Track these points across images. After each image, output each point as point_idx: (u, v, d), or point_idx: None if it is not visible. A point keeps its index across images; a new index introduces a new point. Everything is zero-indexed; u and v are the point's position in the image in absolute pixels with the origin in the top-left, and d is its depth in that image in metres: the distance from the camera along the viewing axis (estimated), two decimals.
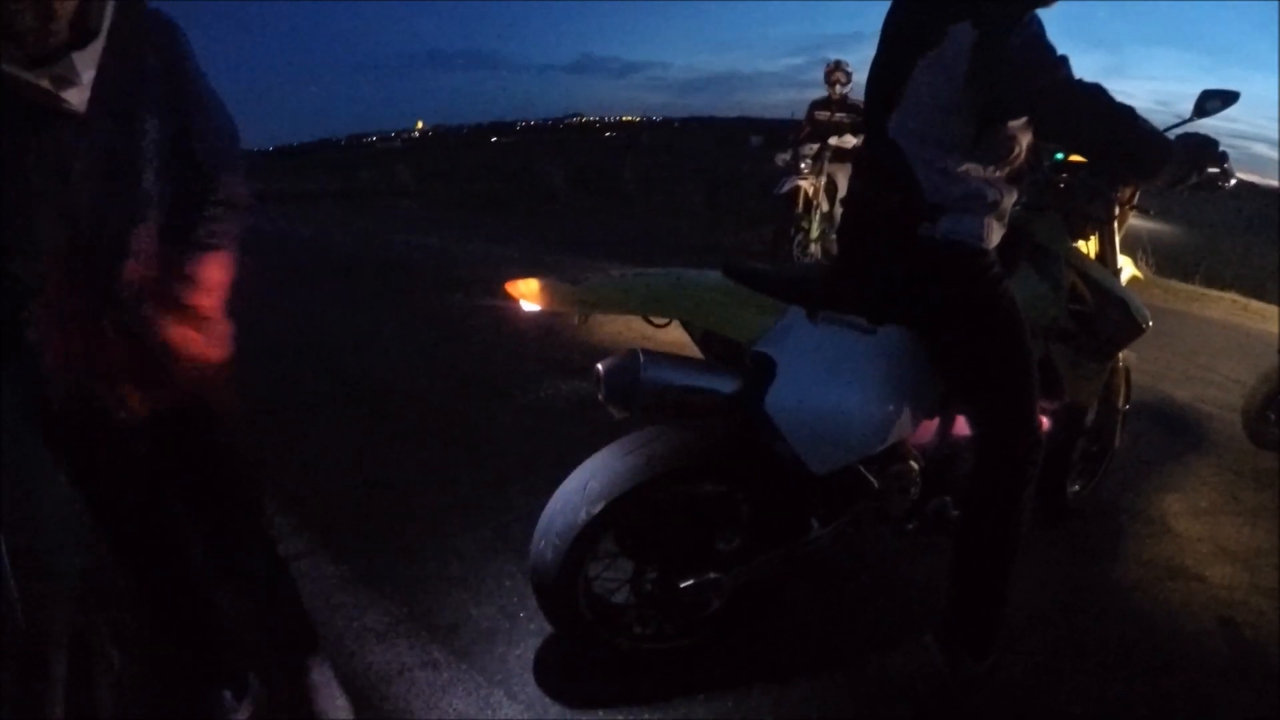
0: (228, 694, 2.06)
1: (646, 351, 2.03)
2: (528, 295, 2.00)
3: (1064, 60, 1.80)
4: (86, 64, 1.45)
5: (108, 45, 1.48)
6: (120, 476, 1.81)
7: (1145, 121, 1.87)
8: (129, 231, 1.56)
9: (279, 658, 2.11)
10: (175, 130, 1.60)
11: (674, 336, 2.26)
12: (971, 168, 1.97)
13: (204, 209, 1.68)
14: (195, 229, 1.67)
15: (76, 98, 1.45)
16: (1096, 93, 1.81)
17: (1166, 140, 1.98)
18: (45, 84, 1.41)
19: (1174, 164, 1.97)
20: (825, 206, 7.49)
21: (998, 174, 2.01)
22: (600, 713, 2.11)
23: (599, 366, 2.05)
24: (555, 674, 2.25)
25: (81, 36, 1.44)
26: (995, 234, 2.06)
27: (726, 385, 2.08)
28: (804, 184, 7.44)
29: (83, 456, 1.79)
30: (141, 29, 1.55)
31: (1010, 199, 2.07)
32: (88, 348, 1.59)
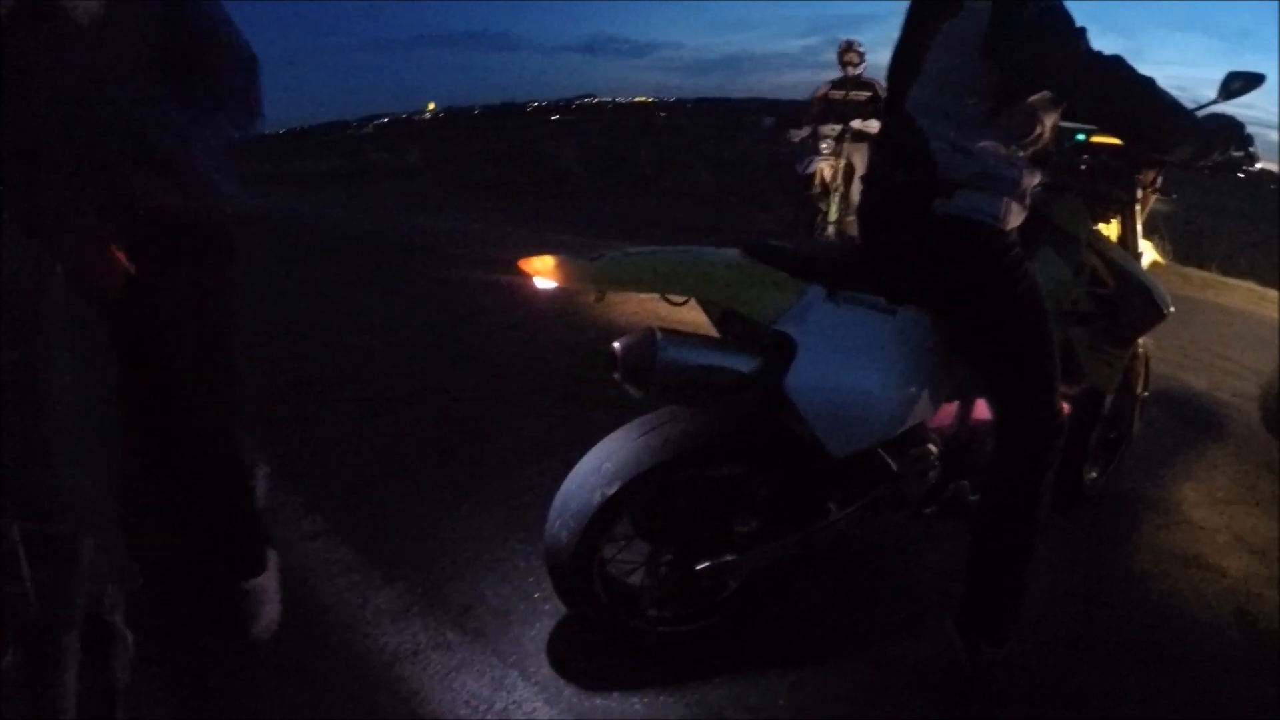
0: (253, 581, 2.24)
1: (664, 330, 2.01)
2: (543, 272, 1.97)
3: (1083, 31, 1.77)
4: None
5: None
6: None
7: (1166, 93, 1.83)
8: (146, 139, 1.78)
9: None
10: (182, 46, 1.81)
11: (690, 316, 2.24)
12: (989, 145, 1.94)
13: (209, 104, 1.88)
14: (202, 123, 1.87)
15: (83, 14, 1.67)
16: (1116, 64, 1.77)
17: (1188, 112, 1.94)
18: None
19: (1196, 137, 1.93)
20: (843, 189, 7.45)
21: (1019, 153, 1.98)
22: (615, 694, 2.10)
23: (615, 345, 2.03)
24: (569, 655, 2.24)
25: None
26: (1015, 215, 2.03)
27: (745, 365, 2.05)
28: (823, 165, 7.40)
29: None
30: None
31: (1032, 180, 2.04)
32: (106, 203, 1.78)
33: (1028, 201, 2.08)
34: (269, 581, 2.32)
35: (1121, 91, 1.81)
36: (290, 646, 2.32)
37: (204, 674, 2.23)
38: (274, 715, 2.09)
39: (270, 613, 2.30)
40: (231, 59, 1.92)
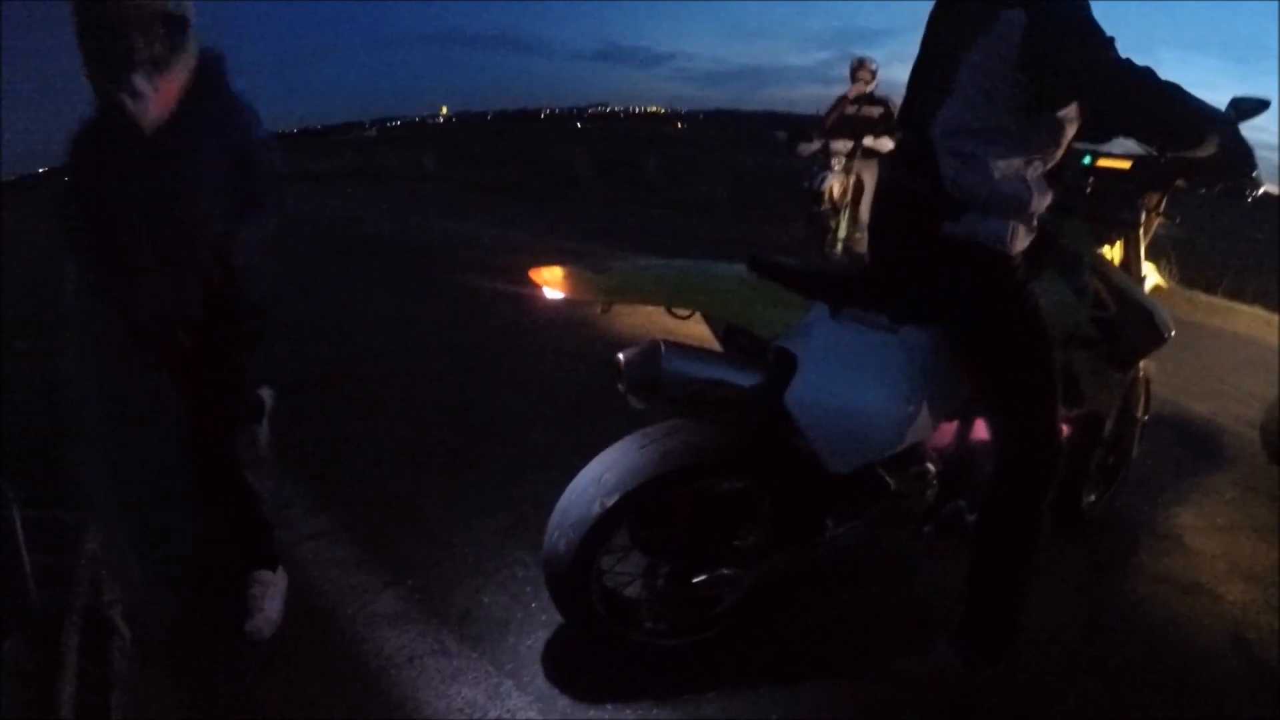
0: (263, 573, 2.51)
1: (668, 342, 2.03)
2: (551, 282, 2.00)
3: (1111, 41, 1.79)
4: (148, 87, 2.10)
5: (183, 107, 2.19)
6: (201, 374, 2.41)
7: (1194, 97, 1.84)
8: (201, 230, 2.24)
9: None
10: (229, 159, 2.26)
11: (694, 329, 2.25)
12: (1012, 163, 1.95)
13: (247, 210, 2.33)
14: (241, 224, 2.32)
15: (150, 113, 2.14)
16: (1147, 72, 1.79)
17: (1217, 112, 1.94)
18: (125, 99, 2.09)
19: (1226, 134, 1.91)
20: (852, 206, 7.45)
21: (1037, 171, 2.00)
22: (609, 706, 2.11)
23: (620, 356, 2.05)
24: (565, 666, 2.26)
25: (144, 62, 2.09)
26: (1021, 239, 2.04)
27: (747, 379, 2.07)
28: (834, 181, 7.40)
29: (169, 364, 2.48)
30: (217, 99, 2.27)
31: (1043, 202, 2.05)
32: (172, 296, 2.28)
33: (1035, 224, 2.09)
34: (277, 580, 2.53)
35: (1152, 97, 1.81)
36: (287, 646, 2.34)
37: (200, 670, 2.26)
38: (268, 713, 2.10)
39: (273, 607, 2.45)
40: (267, 173, 2.36)
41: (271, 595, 2.46)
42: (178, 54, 2.15)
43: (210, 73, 2.26)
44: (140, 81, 2.09)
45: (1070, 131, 1.99)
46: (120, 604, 2.45)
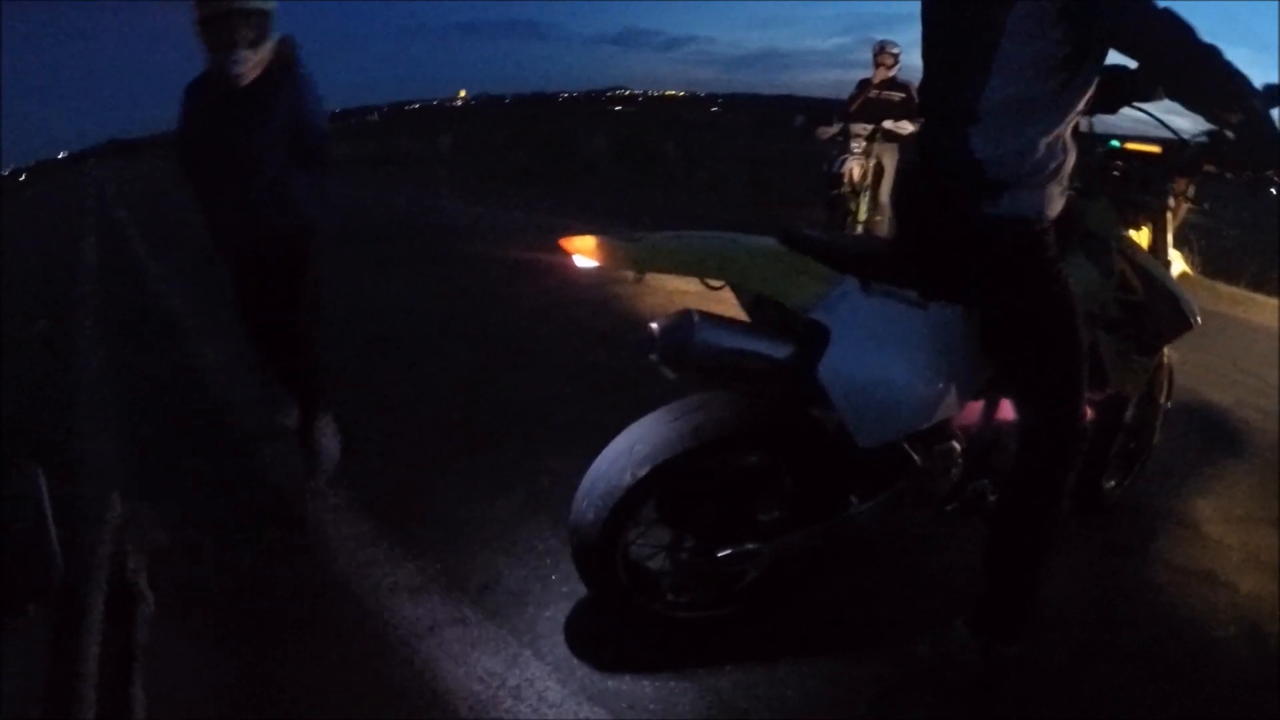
0: (322, 418, 3.30)
1: (701, 313, 2.04)
2: (583, 251, 2.00)
3: None
4: (248, 59, 2.93)
5: (263, 74, 3.00)
6: (270, 268, 3.20)
7: (1229, 62, 1.79)
8: (267, 168, 3.05)
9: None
10: (292, 117, 3.06)
11: (718, 302, 2.25)
12: (1054, 129, 1.94)
13: (303, 161, 3.16)
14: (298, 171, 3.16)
15: (244, 78, 2.96)
16: (1184, 23, 1.75)
17: (1248, 80, 1.85)
18: (230, 67, 2.93)
19: (1255, 103, 1.85)
20: (872, 189, 7.42)
21: (1069, 130, 1.99)
22: (626, 677, 2.13)
23: (653, 326, 2.05)
24: (583, 637, 2.28)
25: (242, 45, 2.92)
26: (1056, 203, 2.04)
27: (779, 351, 2.07)
28: (854, 164, 7.37)
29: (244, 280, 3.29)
30: (288, 72, 3.05)
31: (1072, 158, 2.04)
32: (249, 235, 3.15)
33: (1066, 184, 2.07)
34: (330, 421, 3.31)
35: (1185, 44, 1.77)
36: (309, 614, 2.37)
37: (223, 638, 2.28)
38: (290, 679, 2.13)
39: (333, 445, 3.29)
40: (319, 130, 3.20)
41: (330, 435, 3.29)
42: (264, 38, 2.99)
43: (285, 52, 3.08)
44: (240, 55, 2.94)
45: (1094, 82, 1.96)
46: (144, 572, 2.48)
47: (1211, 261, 8.72)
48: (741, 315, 2.26)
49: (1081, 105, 1.97)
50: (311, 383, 3.35)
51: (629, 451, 2.08)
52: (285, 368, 3.42)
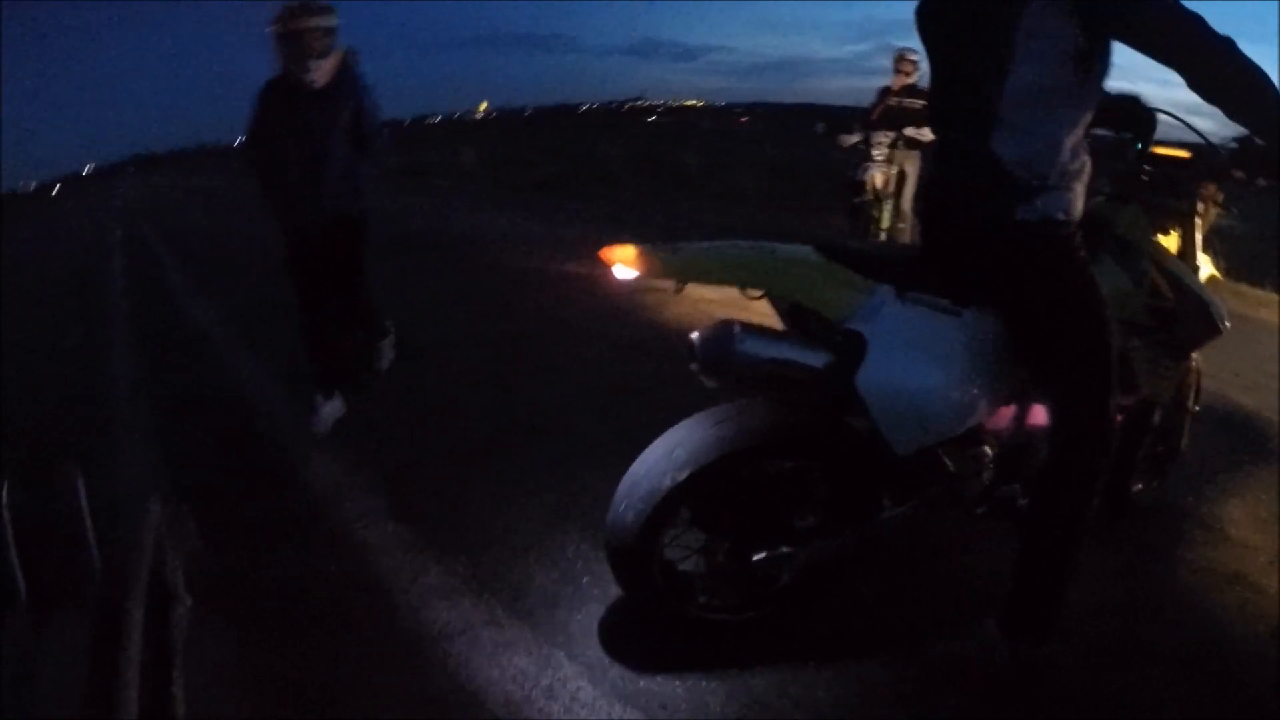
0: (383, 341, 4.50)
1: (741, 323, 2.07)
2: (624, 261, 2.02)
3: None
4: (319, 67, 3.54)
5: (331, 79, 3.61)
6: (326, 260, 3.88)
7: (1246, 57, 1.77)
8: (334, 159, 3.71)
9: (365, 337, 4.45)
10: (354, 114, 3.73)
11: (750, 309, 2.26)
12: (1076, 129, 1.95)
13: (362, 151, 3.84)
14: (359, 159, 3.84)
15: (316, 82, 3.57)
16: (1194, 15, 1.75)
17: (1270, 80, 1.81)
18: (305, 74, 3.54)
19: (1273, 107, 1.80)
20: (894, 196, 7.42)
21: (1086, 129, 2.00)
22: (658, 678, 2.15)
23: (693, 335, 2.09)
24: (615, 638, 2.30)
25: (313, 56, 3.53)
26: (1080, 203, 2.05)
27: (818, 360, 2.10)
28: (876, 172, 7.38)
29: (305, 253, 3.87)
30: (350, 77, 3.72)
31: (1088, 160, 2.05)
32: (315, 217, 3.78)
33: (1087, 185, 2.08)
34: (388, 344, 4.53)
35: (1200, 36, 1.76)
36: (343, 616, 2.41)
37: (260, 638, 2.32)
38: (325, 679, 2.17)
39: (389, 355, 4.56)
40: (375, 126, 3.86)
41: (389, 347, 4.55)
42: (331, 49, 3.60)
43: (346, 61, 3.71)
44: (312, 63, 3.54)
45: (1106, 78, 1.97)
46: (181, 574, 2.52)
47: (1237, 264, 8.64)
48: (777, 324, 2.28)
49: (1095, 103, 1.97)
50: (372, 319, 4.39)
51: (669, 455, 2.11)
52: (340, 320, 4.05)
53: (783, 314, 2.27)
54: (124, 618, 2.28)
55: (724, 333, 2.05)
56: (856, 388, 2.06)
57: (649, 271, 2.04)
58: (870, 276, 2.12)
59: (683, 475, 2.07)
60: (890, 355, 2.07)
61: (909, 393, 2.09)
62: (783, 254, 2.15)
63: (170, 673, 2.14)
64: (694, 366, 2.09)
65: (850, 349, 2.07)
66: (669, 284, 2.08)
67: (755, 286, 2.12)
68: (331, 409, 3.89)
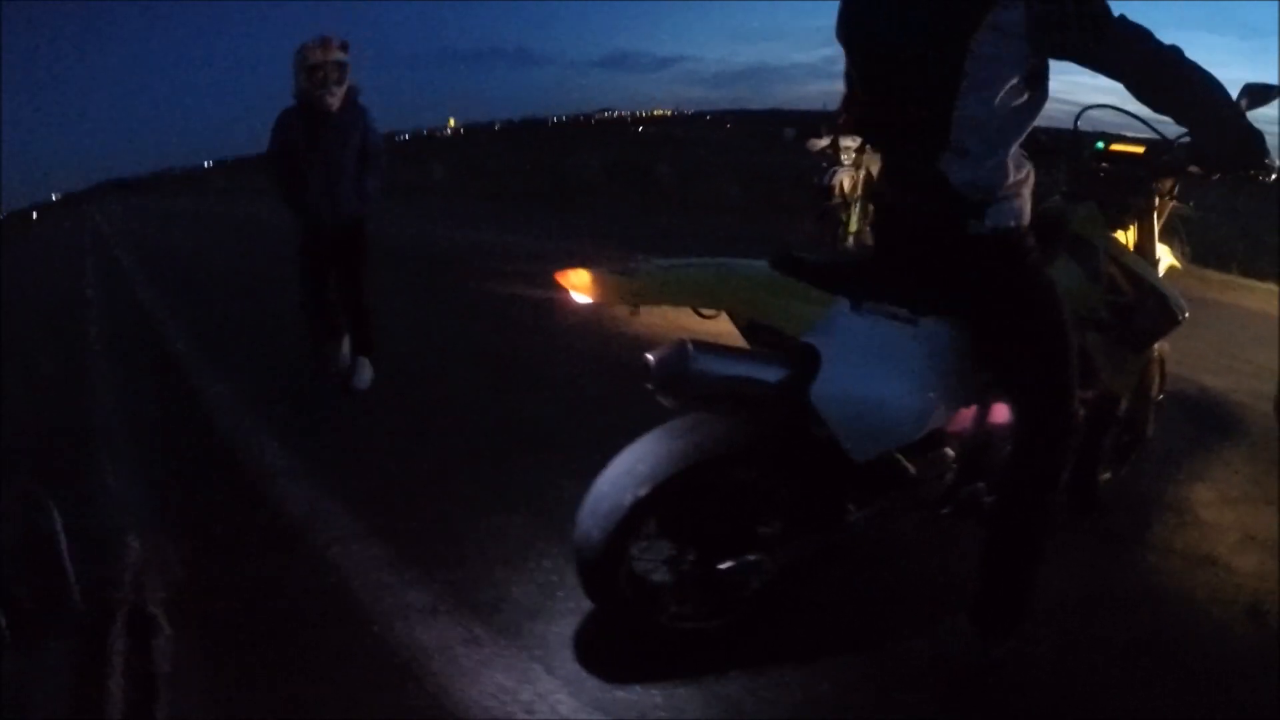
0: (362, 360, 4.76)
1: (695, 341, 2.07)
2: (579, 287, 2.02)
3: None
4: (337, 94, 4.34)
5: (342, 105, 4.39)
6: (342, 247, 4.63)
7: (1197, 67, 1.81)
8: (347, 171, 4.48)
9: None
10: (361, 135, 4.51)
11: (717, 325, 2.27)
12: (1021, 142, 1.98)
13: (368, 168, 4.57)
14: (365, 176, 4.58)
15: (333, 106, 4.34)
16: (1142, 30, 1.78)
17: (1215, 80, 1.85)
18: (325, 99, 4.32)
19: (1221, 110, 1.88)
20: (863, 200, 7.47)
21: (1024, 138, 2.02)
22: (635, 687, 2.16)
23: (648, 356, 2.09)
24: (593, 650, 2.31)
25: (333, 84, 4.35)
26: (1028, 207, 2.07)
27: (773, 375, 2.11)
28: (843, 176, 7.42)
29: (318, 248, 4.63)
30: (357, 103, 4.51)
31: (1031, 166, 2.08)
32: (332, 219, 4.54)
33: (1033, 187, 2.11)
34: (367, 364, 4.72)
35: (1151, 52, 1.80)
36: (324, 641, 2.40)
37: (241, 665, 2.32)
38: (307, 705, 2.16)
39: (365, 374, 4.69)
40: (377, 150, 4.65)
41: (368, 367, 4.71)
42: (344, 78, 4.36)
43: (353, 90, 4.46)
44: (331, 90, 4.30)
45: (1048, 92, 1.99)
46: (163, 603, 2.53)
47: (1201, 248, 8.75)
48: (739, 340, 2.30)
49: (1039, 113, 2.00)
50: (365, 323, 4.75)
51: (630, 471, 2.12)
52: (344, 310, 4.76)
53: (742, 330, 2.28)
54: (106, 649, 2.30)
55: (679, 352, 2.06)
56: (810, 401, 2.06)
57: (603, 296, 2.04)
58: (827, 289, 2.13)
59: (644, 491, 2.08)
60: (844, 367, 2.07)
61: (864, 403, 2.10)
62: (737, 271, 2.17)
63: (154, 703, 2.16)
64: (650, 386, 2.10)
65: (805, 363, 2.08)
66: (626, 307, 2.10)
67: (710, 306, 2.13)
68: (364, 370, 4.71)
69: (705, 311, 2.15)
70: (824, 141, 7.67)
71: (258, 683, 2.26)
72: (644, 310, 2.10)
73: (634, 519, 2.11)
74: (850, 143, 7.40)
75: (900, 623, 2.46)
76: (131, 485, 3.63)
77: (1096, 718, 2.16)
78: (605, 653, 2.31)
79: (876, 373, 2.11)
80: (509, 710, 2.11)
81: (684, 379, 2.05)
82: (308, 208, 4.52)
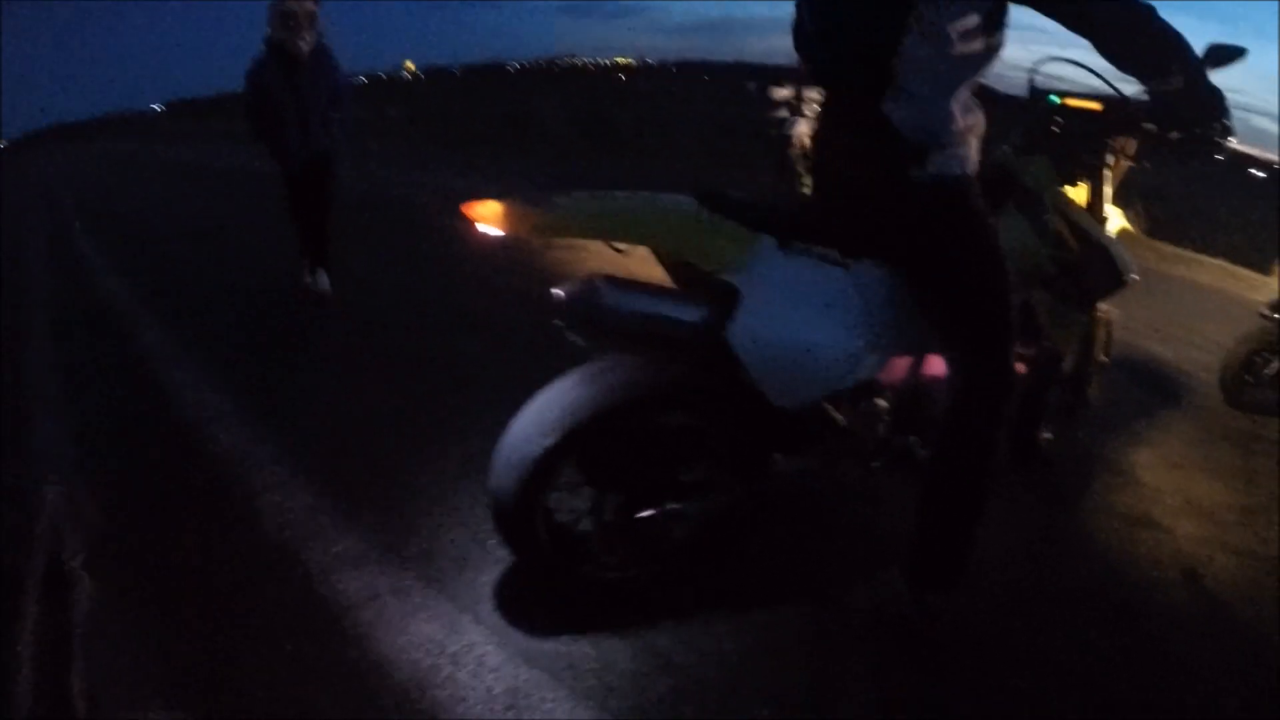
0: (320, 271, 5.31)
1: (607, 278, 1.99)
2: (486, 218, 1.90)
3: None
4: (308, 39, 4.84)
5: (314, 50, 4.92)
6: (315, 177, 5.21)
7: (1162, 20, 1.77)
8: (316, 111, 5.02)
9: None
10: (329, 76, 5.08)
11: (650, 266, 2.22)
12: (969, 87, 1.92)
13: (336, 107, 5.14)
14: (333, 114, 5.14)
15: (305, 50, 4.85)
16: None
17: (1183, 39, 1.82)
18: (298, 45, 4.84)
19: (1188, 69, 1.84)
20: None
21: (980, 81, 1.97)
22: (564, 638, 2.12)
23: (556, 291, 2.00)
24: (522, 600, 2.27)
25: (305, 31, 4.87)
26: (974, 156, 2.02)
27: (690, 314, 2.03)
28: (803, 127, 7.35)
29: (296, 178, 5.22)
30: (325, 48, 5.03)
31: (981, 114, 2.03)
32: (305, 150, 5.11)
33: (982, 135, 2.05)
34: (323, 274, 5.28)
35: (1124, 12, 1.76)
36: (251, 591, 2.33)
37: (166, 616, 2.24)
38: (234, 657, 2.09)
39: (324, 280, 5.27)
40: (345, 88, 5.20)
41: (323, 275, 5.26)
42: (314, 25, 4.80)
43: (321, 36, 4.88)
44: (303, 37, 4.74)
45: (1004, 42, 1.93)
46: (82, 556, 2.43)
47: (1157, 223, 8.87)
48: (663, 277, 2.21)
49: (992, 62, 1.93)
50: (325, 240, 5.30)
51: (540, 418, 2.04)
52: (316, 232, 5.28)
53: (668, 268, 2.18)
54: (19, 603, 2.20)
55: (590, 288, 1.98)
56: (726, 341, 1.99)
57: (514, 228, 1.92)
58: (753, 227, 2.04)
59: (554, 438, 2.00)
60: (765, 308, 2.00)
61: (785, 346, 2.03)
62: (660, 205, 2.06)
63: (70, 658, 2.07)
64: (558, 323, 2.01)
65: (724, 302, 2.00)
66: (538, 240, 2.01)
67: (628, 241, 2.01)
68: (323, 278, 5.27)
69: (619, 246, 2.03)
70: (787, 91, 7.57)
71: (181, 636, 2.17)
72: (579, 245, 2.01)
73: (546, 468, 2.03)
74: (814, 94, 7.31)
75: (838, 575, 2.45)
76: (54, 439, 3.50)
77: (1032, 669, 2.16)
78: (535, 603, 2.26)
79: (801, 316, 2.04)
80: (436, 662, 2.05)
81: (595, 316, 1.97)
82: (283, 146, 5.00)
